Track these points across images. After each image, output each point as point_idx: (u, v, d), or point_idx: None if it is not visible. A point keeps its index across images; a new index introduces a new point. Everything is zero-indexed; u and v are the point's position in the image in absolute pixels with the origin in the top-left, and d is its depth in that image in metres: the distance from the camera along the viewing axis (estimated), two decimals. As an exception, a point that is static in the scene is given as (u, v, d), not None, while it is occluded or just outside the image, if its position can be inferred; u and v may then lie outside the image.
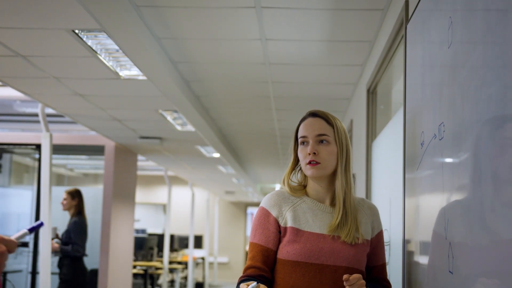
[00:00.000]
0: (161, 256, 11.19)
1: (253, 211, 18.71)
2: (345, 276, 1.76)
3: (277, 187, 12.83)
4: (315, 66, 4.02)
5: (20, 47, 3.51)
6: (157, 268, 10.36)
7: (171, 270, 11.16)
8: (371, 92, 3.55)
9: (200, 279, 13.61)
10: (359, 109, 4.07)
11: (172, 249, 12.07)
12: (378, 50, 3.17)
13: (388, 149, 2.82)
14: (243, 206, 16.98)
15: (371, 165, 3.44)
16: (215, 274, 15.09)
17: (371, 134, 3.47)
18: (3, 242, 1.27)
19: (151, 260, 10.34)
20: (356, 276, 1.76)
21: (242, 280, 1.88)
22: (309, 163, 1.90)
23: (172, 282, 12.22)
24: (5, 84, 4.48)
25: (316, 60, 3.89)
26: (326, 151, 1.91)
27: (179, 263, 11.95)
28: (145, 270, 9.70)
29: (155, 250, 10.63)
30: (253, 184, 12.45)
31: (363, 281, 1.78)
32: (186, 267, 12.07)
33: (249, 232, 17.96)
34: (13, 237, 1.38)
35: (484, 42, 1.27)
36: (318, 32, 3.35)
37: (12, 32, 3.23)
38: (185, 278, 12.54)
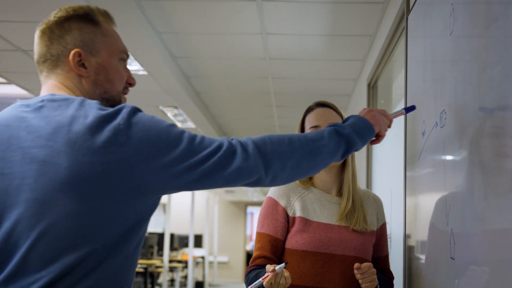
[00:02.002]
0: (161, 255, 11.18)
1: (253, 210, 18.72)
2: (356, 265, 1.77)
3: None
4: (316, 61, 4.03)
5: (21, 41, 3.51)
6: (157, 267, 10.36)
7: (171, 269, 11.16)
8: (372, 87, 3.56)
9: (200, 278, 13.61)
10: (360, 104, 4.07)
11: (172, 248, 12.06)
12: (379, 44, 3.17)
13: (389, 141, 2.82)
14: (243, 206, 16.98)
15: (371, 159, 3.44)
16: (215, 273, 15.09)
17: (372, 129, 3.47)
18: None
19: (151, 258, 10.34)
20: (367, 264, 1.78)
21: (251, 269, 1.88)
22: None
23: (172, 281, 12.22)
24: (5, 82, 4.48)
25: (317, 55, 3.89)
26: None
27: (179, 262, 11.94)
28: (145, 269, 9.70)
29: (155, 248, 10.62)
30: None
31: (374, 270, 1.79)
32: (186, 266, 12.07)
33: (249, 231, 18.00)
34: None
35: (486, 26, 1.28)
36: (318, 26, 3.35)
37: (13, 26, 3.24)
38: (185, 277, 12.53)
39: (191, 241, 11.48)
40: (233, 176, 1.25)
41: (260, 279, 1.70)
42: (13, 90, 5.15)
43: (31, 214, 1.19)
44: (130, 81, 1.40)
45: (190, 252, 11.39)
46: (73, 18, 1.32)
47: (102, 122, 1.19)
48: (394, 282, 2.00)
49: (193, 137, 1.24)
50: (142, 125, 1.21)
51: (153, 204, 1.28)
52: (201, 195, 15.20)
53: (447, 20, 1.59)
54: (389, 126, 1.57)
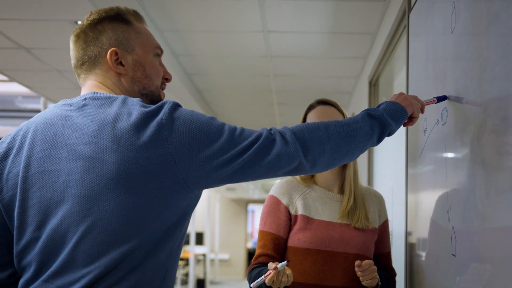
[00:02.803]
0: (163, 253, 11.18)
1: (254, 208, 18.73)
2: (357, 262, 1.78)
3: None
4: (317, 59, 4.03)
5: (23, 39, 3.52)
6: (159, 264, 10.37)
7: (172, 267, 11.16)
8: (373, 85, 3.56)
9: (201, 276, 13.62)
10: (361, 102, 4.07)
11: (173, 246, 12.06)
12: (380, 41, 3.18)
13: (391, 138, 2.82)
14: (244, 203, 16.99)
15: (373, 157, 3.45)
16: (216, 271, 15.10)
17: (373, 126, 3.48)
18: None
19: (152, 256, 10.34)
20: (368, 262, 1.79)
21: (254, 267, 1.89)
22: None
23: (173, 278, 12.23)
24: (7, 80, 4.48)
25: (318, 53, 3.90)
26: None
27: (180, 259, 11.96)
28: (147, 266, 9.71)
29: (157, 246, 10.62)
30: (254, 181, 12.43)
31: (374, 267, 1.80)
32: (187, 264, 12.08)
33: (249, 229, 17.98)
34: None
35: (488, 24, 1.28)
36: (320, 24, 3.35)
37: (15, 23, 3.24)
38: (186, 274, 12.55)
39: (192, 239, 11.50)
40: (274, 163, 1.27)
41: (262, 276, 1.71)
42: (15, 88, 5.16)
43: (78, 210, 1.21)
44: (166, 76, 1.44)
45: (192, 250, 11.40)
46: (105, 19, 1.36)
47: (146, 118, 1.22)
48: (396, 279, 2.01)
49: (233, 129, 1.27)
50: (184, 119, 1.24)
51: (196, 198, 1.31)
52: (202, 193, 15.18)
53: (448, 18, 1.60)
54: (422, 111, 1.58)
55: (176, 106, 1.27)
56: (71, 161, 1.24)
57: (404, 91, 2.24)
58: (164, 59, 3.72)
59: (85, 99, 1.31)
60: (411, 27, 2.16)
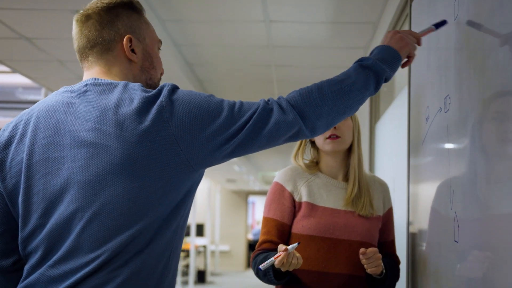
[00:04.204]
0: (163, 244, 11.19)
1: (254, 199, 18.75)
2: (361, 250, 1.78)
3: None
4: (319, 49, 4.03)
5: (24, 29, 3.51)
6: (159, 256, 10.38)
7: (173, 258, 11.18)
8: (375, 75, 3.56)
9: (201, 267, 13.66)
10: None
11: (174, 237, 12.07)
12: (382, 31, 3.17)
13: (392, 128, 2.83)
14: (244, 195, 17.01)
15: (374, 146, 3.45)
16: (217, 262, 15.14)
17: (375, 116, 3.48)
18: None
19: (153, 247, 10.34)
20: (372, 249, 1.79)
21: (258, 253, 1.89)
22: (329, 137, 1.93)
23: (174, 269, 12.25)
24: (7, 71, 4.48)
25: (320, 43, 3.89)
26: (345, 125, 1.94)
27: (181, 251, 11.97)
28: (148, 257, 9.72)
29: (157, 237, 10.62)
30: (254, 172, 12.45)
31: (379, 255, 1.80)
32: (187, 255, 12.11)
33: (250, 220, 17.99)
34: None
35: (491, 11, 1.28)
36: (321, 13, 3.35)
37: (16, 13, 3.24)
38: (187, 266, 12.58)
39: (193, 230, 11.51)
40: (273, 132, 1.29)
41: (272, 258, 1.70)
42: (15, 79, 5.15)
43: (84, 196, 1.22)
44: (161, 71, 1.45)
45: (192, 241, 11.42)
46: (120, 5, 1.37)
47: (147, 103, 1.24)
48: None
49: (232, 104, 1.28)
50: (182, 100, 1.26)
51: (200, 177, 1.32)
52: (202, 185, 15.20)
53: (451, 6, 1.59)
54: (418, 44, 1.56)
55: (174, 88, 1.29)
56: (74, 148, 1.24)
57: (406, 82, 2.24)
58: (166, 49, 3.72)
59: (86, 85, 1.31)
60: (414, 15, 2.16)
